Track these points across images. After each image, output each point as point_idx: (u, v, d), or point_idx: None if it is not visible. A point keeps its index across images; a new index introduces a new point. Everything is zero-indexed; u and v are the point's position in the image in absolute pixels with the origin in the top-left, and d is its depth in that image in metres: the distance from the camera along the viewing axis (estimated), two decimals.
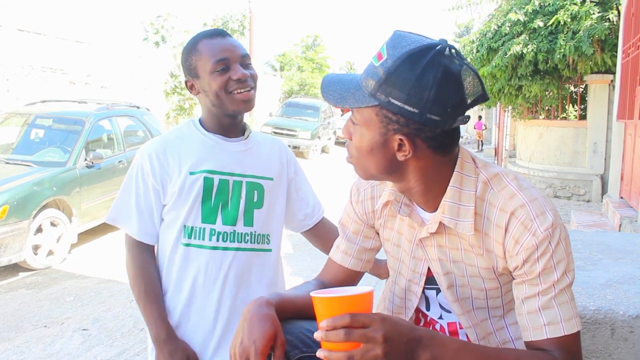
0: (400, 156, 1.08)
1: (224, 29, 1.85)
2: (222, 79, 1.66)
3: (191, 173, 1.71)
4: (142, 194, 1.73)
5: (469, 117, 1.09)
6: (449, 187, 1.14)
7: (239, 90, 1.68)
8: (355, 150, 1.14)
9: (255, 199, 1.80)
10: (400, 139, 1.06)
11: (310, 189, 2.00)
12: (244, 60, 1.72)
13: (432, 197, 1.16)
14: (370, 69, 1.07)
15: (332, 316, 0.93)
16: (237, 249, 1.75)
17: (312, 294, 0.98)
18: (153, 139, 1.84)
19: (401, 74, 1.01)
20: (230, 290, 1.74)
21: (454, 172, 1.14)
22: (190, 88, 1.76)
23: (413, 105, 1.02)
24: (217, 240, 1.73)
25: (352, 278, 1.39)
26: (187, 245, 1.72)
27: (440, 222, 1.15)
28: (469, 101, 1.05)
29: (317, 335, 0.94)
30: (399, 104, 1.02)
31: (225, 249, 1.73)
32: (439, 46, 1.03)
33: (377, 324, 0.92)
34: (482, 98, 1.07)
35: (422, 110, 1.02)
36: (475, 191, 1.13)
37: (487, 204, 1.13)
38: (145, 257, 1.75)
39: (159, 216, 1.75)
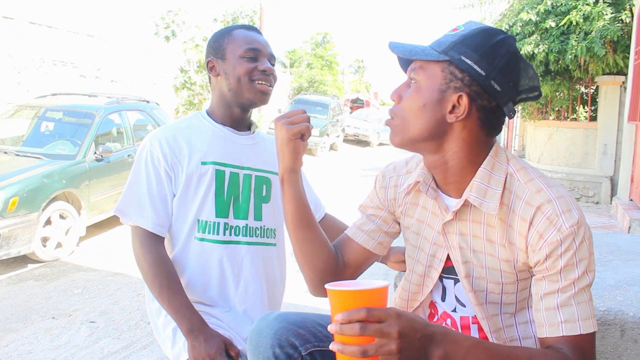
0: (450, 117, 1.12)
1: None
2: (249, 66, 1.70)
3: (203, 163, 1.69)
4: (154, 182, 1.67)
5: (515, 111, 1.16)
6: (480, 169, 1.16)
7: (260, 82, 1.71)
8: (404, 110, 1.16)
9: (263, 194, 1.81)
10: (459, 97, 1.11)
11: (310, 187, 2.01)
12: (271, 60, 1.77)
13: (461, 177, 1.17)
14: (445, 37, 1.15)
15: (347, 309, 0.92)
16: (249, 243, 1.75)
17: (327, 286, 0.98)
18: (161, 127, 1.81)
19: (478, 38, 1.11)
20: (244, 285, 1.74)
21: (487, 157, 1.16)
22: (211, 69, 1.76)
23: (482, 67, 1.09)
24: (230, 234, 1.72)
25: (362, 256, 1.38)
26: (202, 240, 1.70)
27: (464, 204, 1.17)
28: (527, 86, 1.15)
29: (331, 329, 0.93)
30: (469, 62, 1.10)
31: (237, 243, 1.73)
32: (510, 34, 1.14)
33: (393, 319, 0.92)
34: (538, 91, 1.18)
35: (489, 74, 1.09)
36: (505, 178, 1.15)
37: (513, 196, 1.14)
38: (159, 249, 1.67)
39: (172, 205, 1.70)
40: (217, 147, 1.73)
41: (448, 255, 1.25)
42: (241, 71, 1.69)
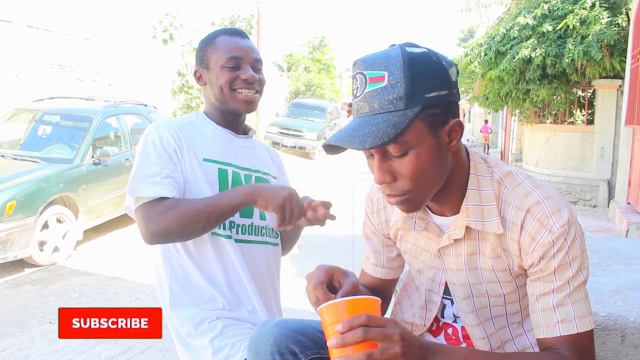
0: (453, 145, 1.08)
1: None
2: (230, 75, 1.70)
3: (205, 160, 1.69)
4: (165, 160, 1.61)
5: None
6: (468, 191, 1.14)
7: (242, 91, 1.71)
8: (411, 180, 1.06)
9: None
10: (452, 124, 1.05)
11: None
12: (256, 65, 1.75)
13: (454, 194, 1.15)
14: (381, 92, 1.01)
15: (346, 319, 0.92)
16: (258, 242, 1.77)
17: (321, 306, 0.98)
18: (162, 120, 1.81)
19: (420, 68, 1.02)
20: (262, 283, 1.74)
21: (470, 175, 1.14)
22: (199, 78, 1.78)
23: (442, 88, 1.03)
24: (237, 232, 1.72)
25: (387, 285, 1.42)
26: (215, 235, 1.67)
27: (465, 228, 1.15)
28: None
29: (332, 343, 0.93)
30: (435, 94, 1.02)
31: (248, 242, 1.74)
32: (400, 46, 1.05)
33: (393, 324, 0.92)
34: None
35: (449, 89, 1.05)
36: (494, 189, 1.13)
37: (502, 202, 1.13)
38: (171, 200, 1.57)
39: (183, 187, 1.62)
40: (218, 147, 1.74)
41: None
42: (222, 81, 1.69)
